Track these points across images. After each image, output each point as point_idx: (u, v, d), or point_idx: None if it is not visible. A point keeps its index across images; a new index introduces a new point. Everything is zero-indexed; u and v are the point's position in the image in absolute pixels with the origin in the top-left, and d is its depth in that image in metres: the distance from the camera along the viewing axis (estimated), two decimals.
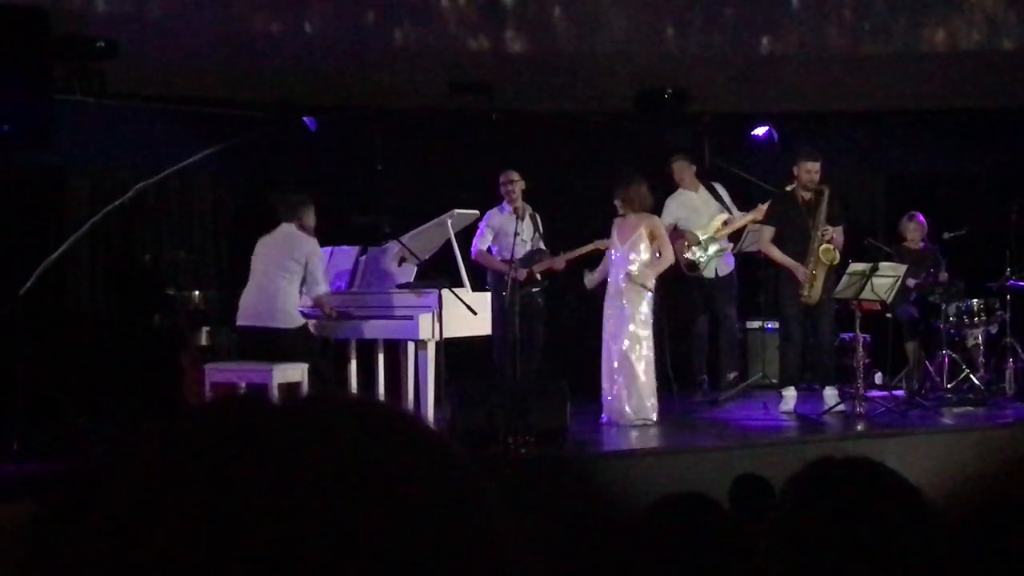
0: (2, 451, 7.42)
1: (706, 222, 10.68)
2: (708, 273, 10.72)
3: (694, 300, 10.80)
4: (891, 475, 1.87)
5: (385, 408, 0.77)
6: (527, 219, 10.12)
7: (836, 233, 9.58)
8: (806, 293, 9.51)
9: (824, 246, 9.47)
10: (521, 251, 9.90)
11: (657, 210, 9.74)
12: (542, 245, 10.26)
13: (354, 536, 0.68)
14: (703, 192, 10.80)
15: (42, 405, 8.68)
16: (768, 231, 9.81)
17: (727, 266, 10.82)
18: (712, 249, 10.61)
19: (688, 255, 10.60)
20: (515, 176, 10.13)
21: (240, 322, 8.59)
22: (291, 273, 8.47)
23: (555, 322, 10.81)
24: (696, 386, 10.68)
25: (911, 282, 10.18)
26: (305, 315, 8.69)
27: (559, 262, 10.12)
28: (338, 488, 0.69)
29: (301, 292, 8.58)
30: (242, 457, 0.70)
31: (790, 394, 9.74)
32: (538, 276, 10.06)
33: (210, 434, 0.73)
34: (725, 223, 10.63)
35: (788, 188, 9.88)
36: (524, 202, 10.13)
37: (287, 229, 8.65)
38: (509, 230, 9.93)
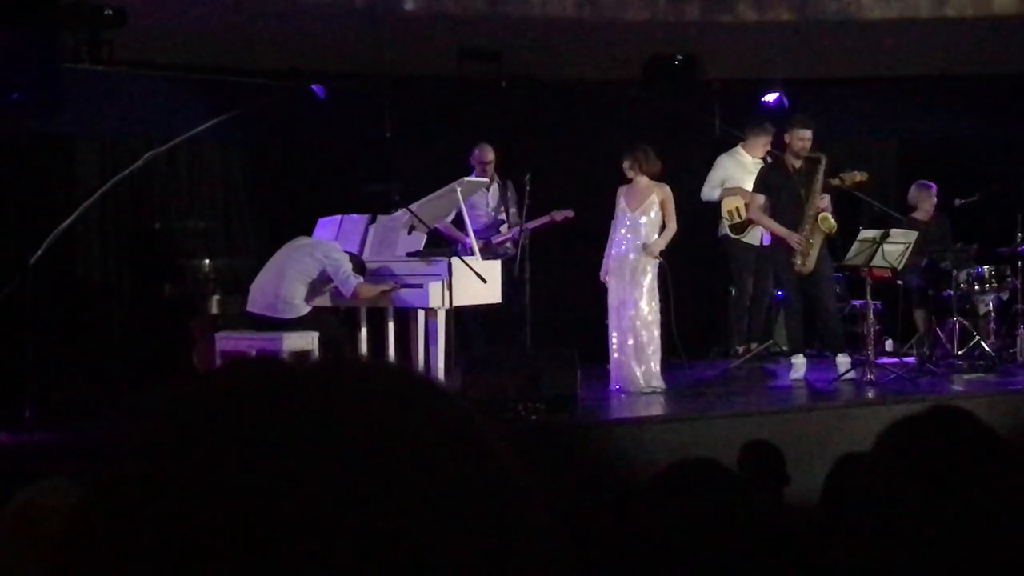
0: (14, 420, 7.45)
1: (749, 188, 10.63)
2: (754, 240, 10.63)
3: (746, 265, 10.71)
4: (993, 431, 1.88)
5: (398, 369, 0.77)
6: (494, 188, 10.06)
7: (826, 201, 9.56)
8: (799, 262, 9.47)
9: (822, 215, 9.43)
10: (483, 222, 9.88)
11: (668, 176, 9.68)
12: (506, 216, 10.12)
13: (371, 496, 0.68)
14: (759, 160, 10.72)
15: (53, 374, 8.70)
16: (758, 199, 9.78)
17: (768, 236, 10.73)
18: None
19: (732, 214, 10.58)
20: (490, 155, 10.05)
21: (248, 308, 8.63)
22: (302, 266, 8.44)
23: (562, 291, 10.81)
24: (732, 354, 10.62)
25: (924, 261, 10.12)
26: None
27: (520, 233, 9.91)
28: (355, 448, 0.69)
29: (321, 292, 8.60)
30: (258, 418, 0.70)
31: (800, 361, 9.74)
32: (498, 250, 9.94)
33: (226, 396, 0.73)
34: None
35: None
36: (495, 171, 10.07)
37: (332, 243, 8.72)
38: (478, 202, 9.90)
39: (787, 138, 9.70)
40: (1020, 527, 1.75)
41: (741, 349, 10.63)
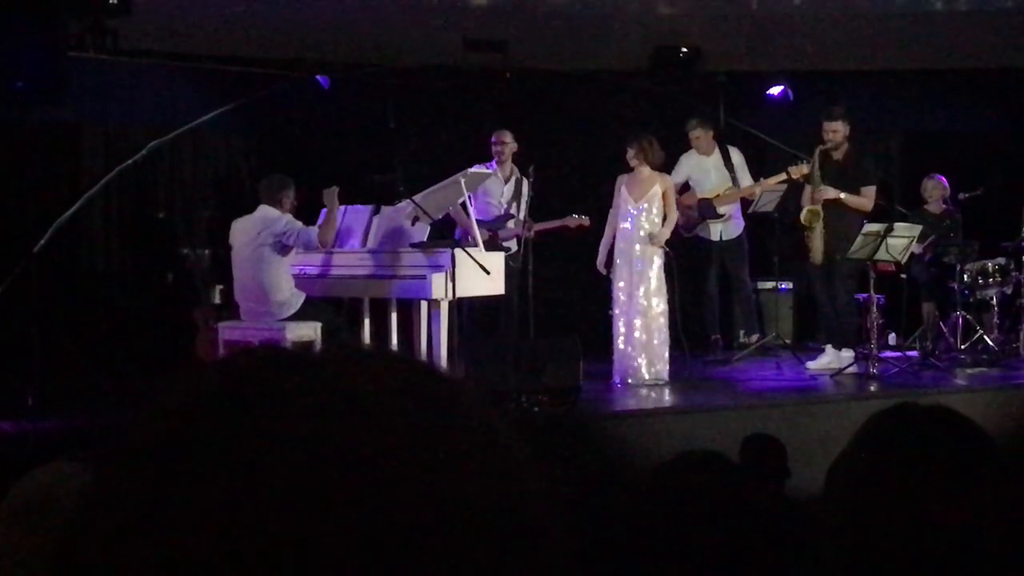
0: (17, 408, 7.45)
1: (712, 186, 10.66)
2: (713, 236, 10.70)
3: (706, 260, 10.79)
4: (971, 425, 1.89)
5: (403, 357, 0.77)
6: (512, 183, 10.02)
7: (834, 193, 9.61)
8: (810, 255, 9.63)
9: (808, 208, 9.55)
10: (494, 213, 9.86)
11: (669, 167, 9.71)
12: (517, 211, 10.07)
13: (379, 484, 0.68)
14: (716, 157, 10.75)
15: (56, 362, 8.71)
16: (807, 190, 9.90)
17: (736, 229, 10.78)
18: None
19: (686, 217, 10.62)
20: (508, 138, 9.97)
21: (244, 318, 8.57)
22: (270, 260, 8.33)
23: (561, 284, 10.82)
24: (710, 346, 10.68)
25: (917, 247, 10.13)
26: (309, 275, 8.75)
27: (529, 231, 9.84)
28: (362, 435, 0.69)
29: (293, 261, 8.53)
30: (265, 406, 0.70)
31: (831, 353, 9.79)
32: (503, 244, 9.91)
33: (233, 384, 0.73)
34: (721, 195, 10.61)
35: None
36: (514, 164, 10.01)
37: (262, 212, 8.50)
38: (491, 190, 9.86)
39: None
40: (995, 519, 1.76)
41: (715, 337, 10.70)
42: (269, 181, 8.67)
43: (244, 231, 8.54)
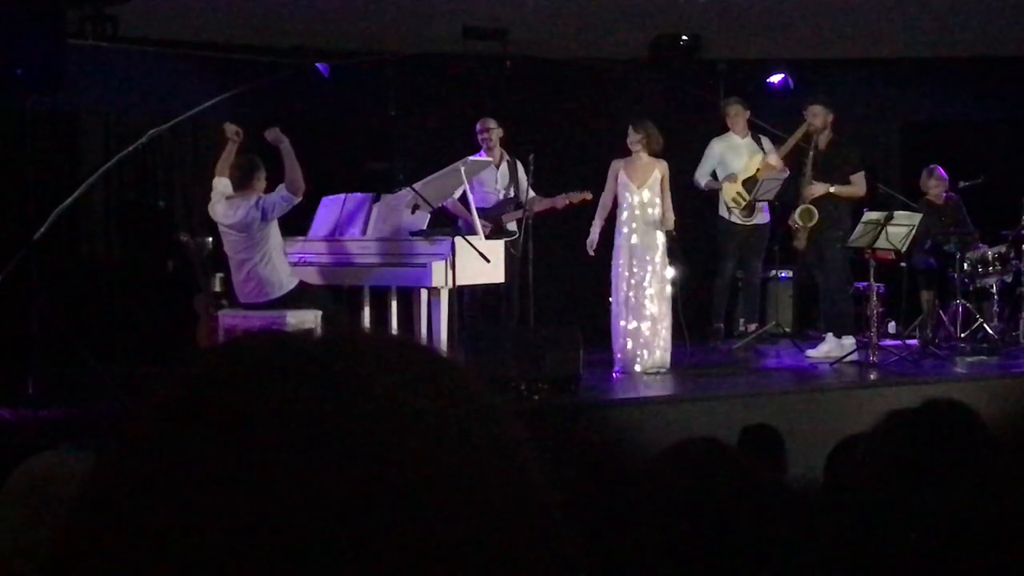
0: (17, 395, 7.46)
1: (742, 168, 10.55)
2: (746, 220, 10.60)
3: (727, 247, 10.69)
4: (981, 423, 1.89)
5: (402, 340, 0.77)
6: (503, 167, 10.01)
7: (822, 188, 9.64)
8: (795, 241, 9.65)
9: (803, 207, 9.63)
10: (493, 200, 9.85)
11: (668, 157, 9.68)
12: (515, 194, 10.05)
13: (378, 464, 0.68)
14: (749, 140, 10.70)
15: (56, 350, 8.71)
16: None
17: (763, 217, 10.68)
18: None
19: (737, 200, 10.49)
20: (492, 123, 9.97)
21: (241, 300, 8.51)
22: (257, 243, 8.32)
23: (562, 271, 10.82)
24: (711, 334, 10.64)
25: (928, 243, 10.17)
26: (309, 263, 8.73)
27: (530, 209, 9.81)
28: (360, 416, 0.69)
29: (270, 236, 8.40)
30: (268, 390, 0.70)
31: (831, 341, 9.79)
32: (507, 227, 9.89)
33: (235, 367, 0.73)
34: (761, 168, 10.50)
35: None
36: (503, 149, 10.01)
37: (242, 195, 8.37)
38: (485, 179, 9.85)
39: None
40: (1004, 514, 1.76)
41: (718, 325, 10.67)
42: (238, 164, 8.50)
43: (226, 216, 8.47)
